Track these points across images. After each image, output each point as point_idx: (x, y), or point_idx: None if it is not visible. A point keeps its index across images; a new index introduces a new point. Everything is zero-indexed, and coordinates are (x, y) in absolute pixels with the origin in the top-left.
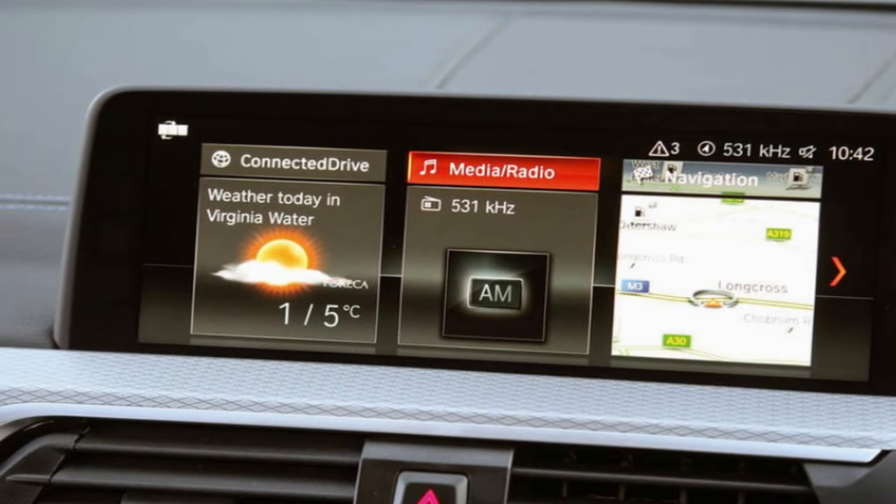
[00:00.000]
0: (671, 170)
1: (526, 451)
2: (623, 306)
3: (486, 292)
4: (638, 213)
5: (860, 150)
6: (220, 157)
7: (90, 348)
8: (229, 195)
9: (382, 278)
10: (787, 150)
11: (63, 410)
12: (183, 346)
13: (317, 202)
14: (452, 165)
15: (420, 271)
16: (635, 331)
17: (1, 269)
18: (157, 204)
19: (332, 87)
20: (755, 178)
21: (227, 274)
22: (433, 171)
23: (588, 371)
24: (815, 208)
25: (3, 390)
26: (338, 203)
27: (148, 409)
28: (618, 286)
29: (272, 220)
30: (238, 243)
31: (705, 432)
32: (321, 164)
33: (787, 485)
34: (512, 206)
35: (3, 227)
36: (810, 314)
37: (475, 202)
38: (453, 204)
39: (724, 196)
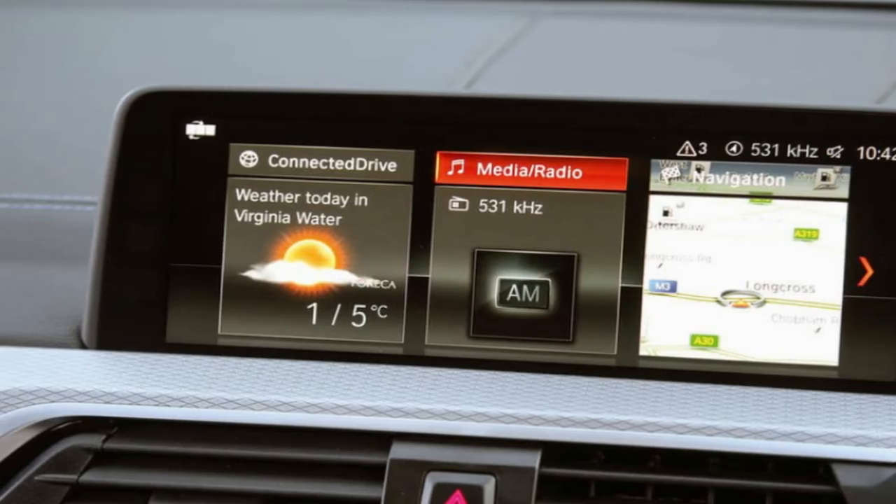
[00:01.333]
0: (699, 170)
1: (554, 451)
2: (651, 306)
3: (513, 292)
4: (665, 213)
5: (888, 149)
6: (248, 157)
7: (118, 348)
8: (257, 195)
9: (410, 278)
10: (815, 150)
11: (91, 410)
12: (210, 346)
13: (344, 202)
14: (480, 165)
15: (448, 271)
16: (663, 331)
17: (29, 270)
18: (184, 204)
19: (360, 87)
20: (783, 178)
21: (255, 274)
22: (461, 171)
23: (616, 371)
24: (842, 208)
25: (30, 390)
26: (365, 203)
27: (176, 409)
28: (645, 286)
29: (300, 220)
30: (266, 243)
31: (733, 432)
32: (349, 164)
33: (815, 485)
34: (540, 206)
35: (30, 228)
36: (838, 314)
37: (503, 202)
38: (481, 204)
39: (752, 196)
